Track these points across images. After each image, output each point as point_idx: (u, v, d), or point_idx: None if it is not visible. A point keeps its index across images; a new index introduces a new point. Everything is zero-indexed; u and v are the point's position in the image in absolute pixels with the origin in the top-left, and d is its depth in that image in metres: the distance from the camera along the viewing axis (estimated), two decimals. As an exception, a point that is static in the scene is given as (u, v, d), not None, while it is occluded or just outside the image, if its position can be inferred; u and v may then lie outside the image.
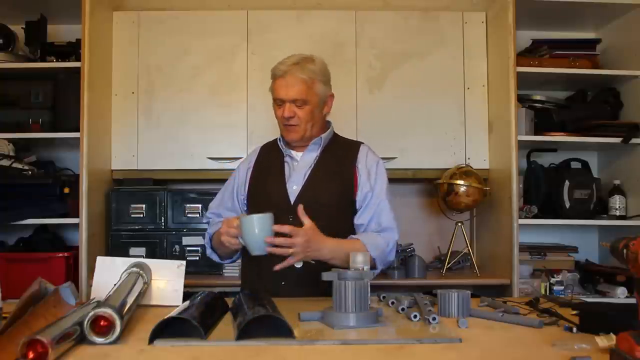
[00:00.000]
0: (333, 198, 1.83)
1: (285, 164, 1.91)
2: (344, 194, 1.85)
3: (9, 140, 2.71)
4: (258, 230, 1.56)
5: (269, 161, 1.95)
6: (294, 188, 1.85)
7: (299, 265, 1.74)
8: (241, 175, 1.98)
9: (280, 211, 1.80)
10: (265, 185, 1.90)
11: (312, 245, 1.63)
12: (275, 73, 1.84)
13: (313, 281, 1.68)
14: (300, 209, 1.62)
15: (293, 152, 1.92)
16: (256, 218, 1.57)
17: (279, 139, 1.94)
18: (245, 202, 1.95)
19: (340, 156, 1.91)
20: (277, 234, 1.58)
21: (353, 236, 1.81)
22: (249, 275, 1.91)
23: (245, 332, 1.15)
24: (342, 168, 1.88)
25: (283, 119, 1.84)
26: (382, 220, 1.84)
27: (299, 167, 1.89)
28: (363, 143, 1.98)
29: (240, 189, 1.96)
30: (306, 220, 1.62)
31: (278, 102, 1.85)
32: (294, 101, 1.81)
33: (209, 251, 1.95)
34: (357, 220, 1.86)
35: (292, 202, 1.82)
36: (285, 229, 1.57)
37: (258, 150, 2.04)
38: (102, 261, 1.65)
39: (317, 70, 1.84)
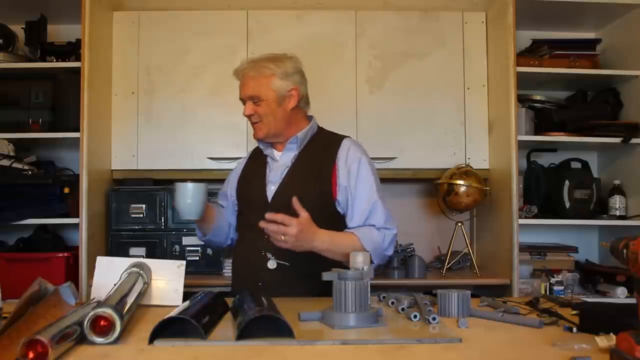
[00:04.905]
0: (311, 196, 1.78)
1: (267, 165, 1.92)
2: (322, 192, 1.82)
3: (9, 140, 2.71)
4: (190, 199, 1.68)
5: (255, 163, 1.97)
6: (271, 188, 1.85)
7: (272, 266, 1.77)
8: (232, 179, 2.02)
9: (260, 212, 1.79)
10: (248, 187, 1.92)
11: (304, 237, 1.63)
12: (234, 75, 1.89)
13: (290, 282, 1.71)
14: (295, 201, 1.62)
15: (275, 152, 1.92)
16: (191, 186, 1.69)
17: (258, 141, 1.95)
18: (236, 203, 1.98)
19: (320, 153, 1.88)
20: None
21: (348, 229, 1.80)
22: (236, 272, 1.94)
23: (245, 332, 1.15)
24: (321, 166, 1.85)
25: (246, 117, 1.87)
26: (375, 222, 1.81)
27: (277, 166, 1.89)
28: (348, 137, 1.94)
29: (233, 193, 1.99)
30: (302, 213, 1.62)
31: (243, 103, 1.88)
32: (250, 98, 1.84)
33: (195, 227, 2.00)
34: (350, 223, 1.82)
35: (269, 203, 1.83)
36: (279, 217, 1.58)
37: (249, 153, 2.06)
38: (102, 261, 1.65)
39: (274, 67, 1.84)
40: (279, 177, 1.85)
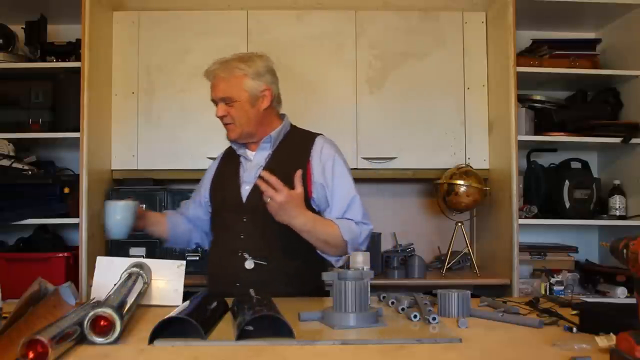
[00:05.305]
0: None
1: (240, 165, 1.91)
2: None
3: (9, 140, 2.71)
4: (120, 215, 1.70)
5: (228, 164, 1.96)
6: (246, 188, 1.84)
7: (249, 266, 1.77)
8: (205, 181, 2.01)
9: (235, 212, 1.82)
10: (222, 188, 1.92)
11: (288, 209, 1.63)
12: (204, 76, 1.88)
13: (268, 281, 1.71)
14: (298, 175, 1.63)
15: (248, 152, 1.91)
16: (120, 205, 1.71)
17: (231, 142, 1.94)
18: (209, 204, 1.97)
19: (294, 152, 1.88)
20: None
21: (329, 217, 1.81)
22: (211, 274, 1.93)
23: (245, 332, 1.15)
24: (295, 163, 1.84)
25: (219, 119, 1.86)
26: (353, 217, 1.81)
27: (251, 166, 1.88)
28: (320, 135, 1.93)
29: (206, 194, 1.98)
30: (298, 188, 1.63)
31: (214, 104, 1.87)
32: (223, 100, 1.83)
33: None
34: (328, 217, 1.82)
35: (244, 203, 1.82)
36: (272, 180, 1.59)
37: (222, 154, 2.05)
38: (102, 261, 1.65)
39: (245, 67, 1.82)
40: (253, 177, 1.84)
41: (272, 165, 1.84)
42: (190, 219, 2.04)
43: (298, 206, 1.65)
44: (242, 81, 1.82)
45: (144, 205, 1.89)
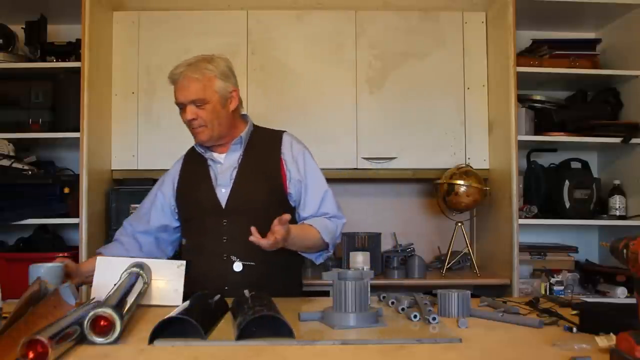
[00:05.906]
0: (264, 194, 1.81)
1: (210, 168, 1.89)
2: (274, 188, 1.84)
3: (9, 140, 2.71)
4: (46, 278, 1.56)
5: (194, 167, 1.93)
6: (222, 191, 1.83)
7: (238, 268, 1.77)
8: (167, 189, 1.97)
9: (214, 215, 1.81)
10: (194, 192, 1.89)
11: (280, 245, 1.64)
12: (171, 78, 1.83)
13: (256, 283, 1.68)
14: (286, 219, 1.60)
15: (215, 154, 1.90)
16: (44, 268, 1.58)
17: (196, 145, 1.92)
18: (176, 211, 1.95)
19: (264, 150, 1.89)
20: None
21: (306, 222, 1.83)
22: (193, 279, 1.86)
23: (245, 332, 1.15)
24: (267, 162, 1.86)
25: (187, 122, 1.83)
26: (328, 210, 1.85)
27: (224, 169, 1.87)
28: (285, 132, 1.95)
29: (171, 201, 1.95)
30: (284, 230, 1.60)
31: (180, 107, 1.84)
32: (193, 102, 1.80)
33: None
34: (303, 213, 1.86)
35: (223, 206, 1.81)
36: (277, 237, 1.58)
37: (182, 158, 2.02)
38: (102, 261, 1.66)
39: (214, 68, 1.81)
40: (228, 180, 1.84)
41: (246, 166, 1.85)
42: (150, 233, 1.97)
43: (285, 237, 1.64)
44: (213, 82, 1.81)
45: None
